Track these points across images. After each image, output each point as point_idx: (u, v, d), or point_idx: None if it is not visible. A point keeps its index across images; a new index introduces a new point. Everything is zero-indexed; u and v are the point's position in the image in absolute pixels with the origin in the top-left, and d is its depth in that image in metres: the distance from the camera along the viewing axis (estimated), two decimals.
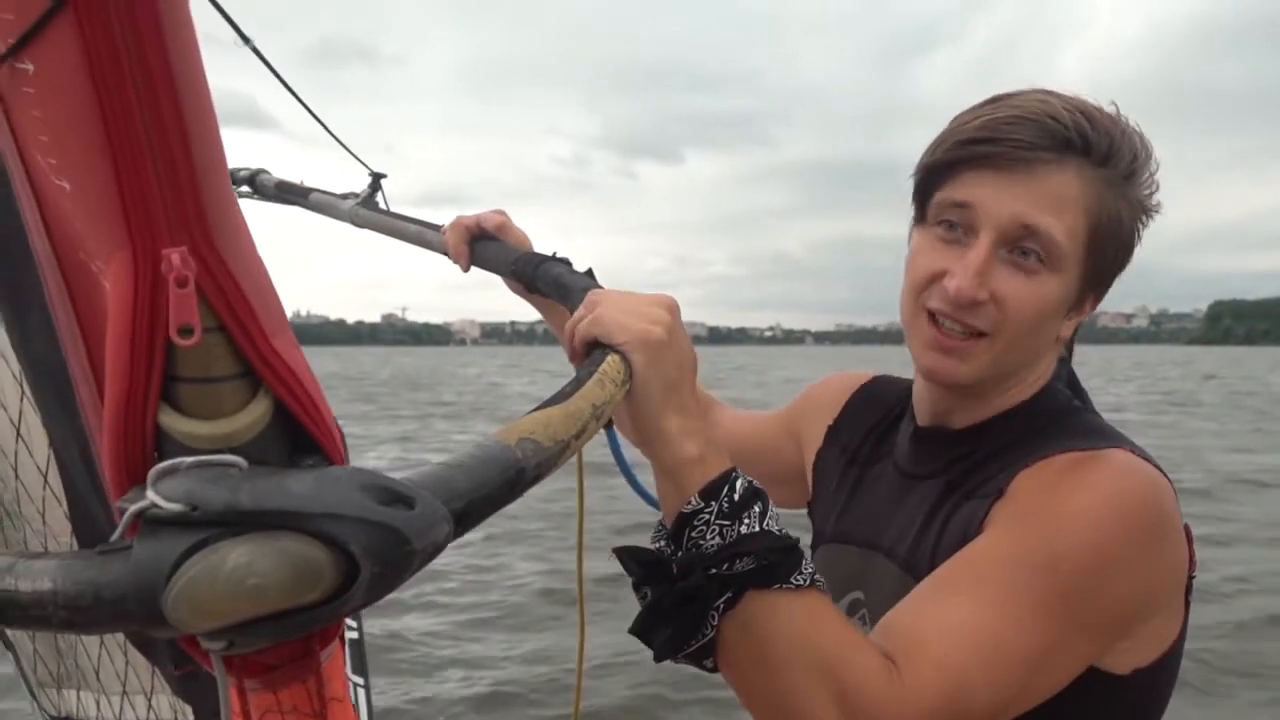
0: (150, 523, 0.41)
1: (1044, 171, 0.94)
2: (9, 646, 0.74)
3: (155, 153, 0.39)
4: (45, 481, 0.51)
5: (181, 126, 0.39)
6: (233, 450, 0.43)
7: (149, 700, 0.55)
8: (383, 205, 1.54)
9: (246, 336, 0.43)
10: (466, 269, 1.29)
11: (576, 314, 0.88)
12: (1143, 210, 1.01)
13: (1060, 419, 1.03)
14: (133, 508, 0.41)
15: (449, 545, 0.46)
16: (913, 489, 1.09)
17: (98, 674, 0.58)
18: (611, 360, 0.77)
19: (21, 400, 0.50)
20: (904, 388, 1.23)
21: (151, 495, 0.41)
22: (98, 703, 0.59)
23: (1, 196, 0.44)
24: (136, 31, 0.37)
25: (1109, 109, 0.99)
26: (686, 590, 0.83)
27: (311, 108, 1.43)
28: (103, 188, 0.39)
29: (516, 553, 8.66)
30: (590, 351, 0.83)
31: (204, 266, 0.41)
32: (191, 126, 0.39)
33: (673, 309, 0.86)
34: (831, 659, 0.81)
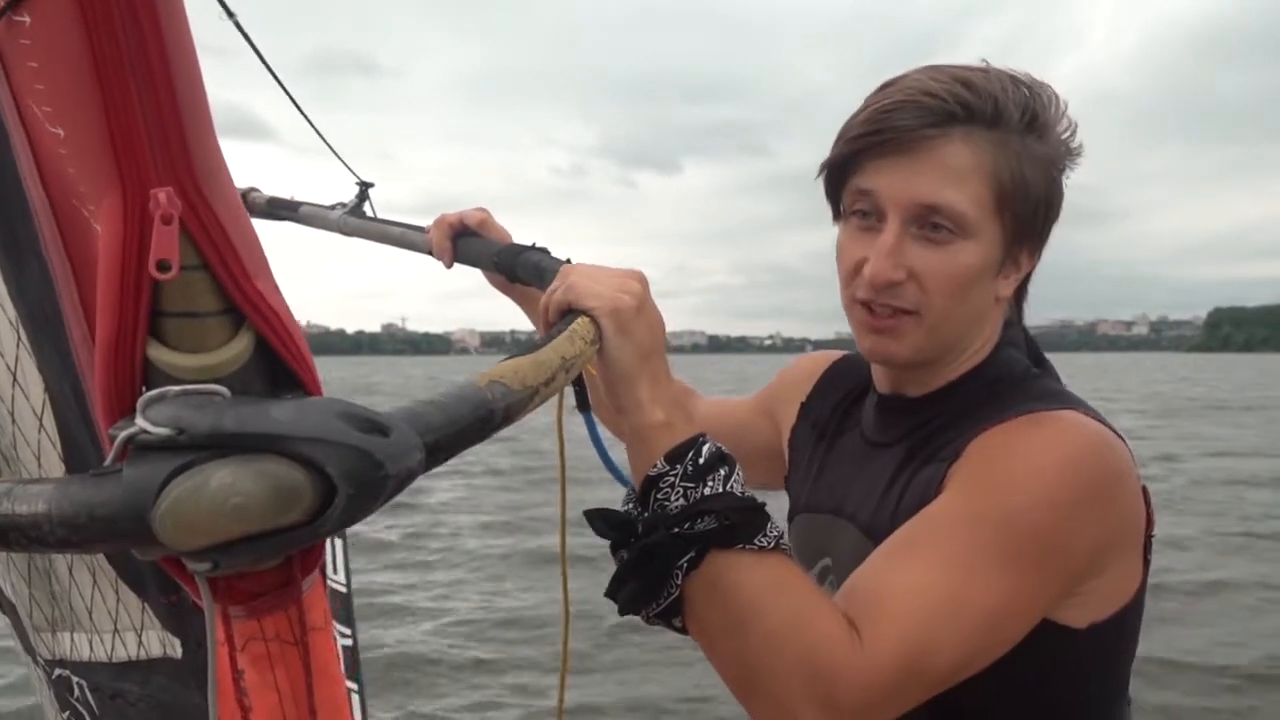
0: (140, 448, 0.44)
1: (931, 147, 0.97)
2: (4, 600, 0.76)
3: (143, 97, 0.42)
4: (40, 425, 0.53)
5: (167, 72, 0.42)
6: (217, 382, 0.46)
7: (139, 636, 0.57)
8: (370, 213, 1.57)
9: (229, 274, 0.45)
10: (450, 265, 1.32)
11: (550, 286, 0.91)
12: (1054, 156, 1.02)
13: (1017, 384, 1.06)
14: (123, 433, 0.44)
15: (422, 476, 0.49)
16: (876, 456, 1.11)
17: (90, 614, 0.60)
18: (581, 320, 0.80)
19: (18, 346, 0.52)
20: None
21: (140, 421, 0.44)
22: (90, 642, 0.62)
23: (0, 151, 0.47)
24: None
25: (1010, 71, 1.01)
26: (649, 547, 0.86)
27: (302, 108, 1.47)
28: (94, 132, 0.42)
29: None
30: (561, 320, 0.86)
31: (189, 206, 0.44)
32: (176, 73, 0.42)
33: (643, 280, 0.90)
34: (795, 620, 0.83)
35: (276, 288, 0.48)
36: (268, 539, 0.45)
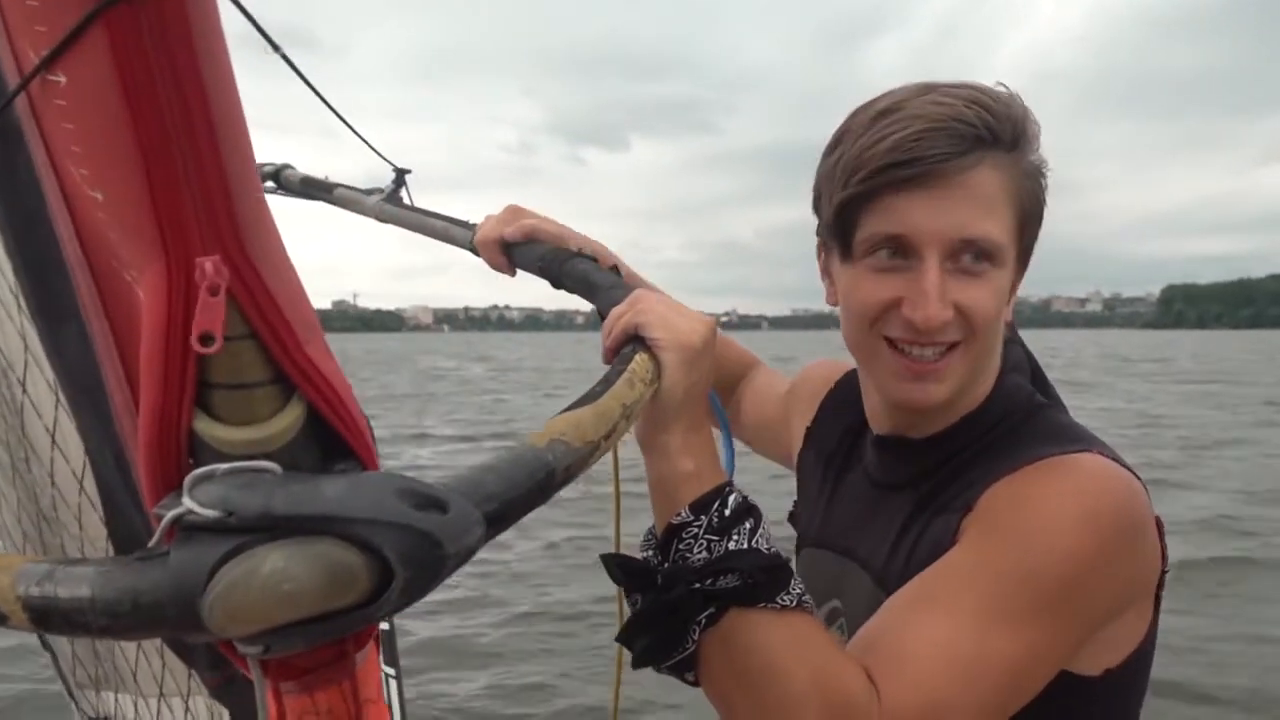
0: (187, 529, 0.41)
1: (965, 177, 0.91)
2: (47, 648, 0.75)
3: (187, 162, 0.39)
4: (81, 488, 0.51)
5: (212, 135, 0.39)
6: (267, 456, 0.43)
7: (186, 703, 0.55)
8: (407, 201, 1.54)
9: (278, 342, 0.43)
10: (513, 274, 1.26)
11: (619, 308, 0.88)
12: (1043, 173, 0.99)
13: (1025, 420, 1.01)
14: (169, 514, 0.42)
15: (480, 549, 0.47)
16: (885, 500, 1.07)
17: (135, 676, 0.58)
18: (640, 359, 0.77)
19: (56, 408, 0.50)
20: None
21: (187, 501, 0.42)
22: (135, 705, 0.60)
23: (35, 208, 0.44)
24: (167, 41, 0.38)
25: (998, 89, 0.96)
26: (669, 602, 0.83)
27: (337, 109, 1.44)
28: (136, 198, 0.40)
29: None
30: (626, 344, 0.83)
31: (236, 274, 0.41)
32: (222, 134, 0.40)
33: (713, 328, 0.87)
34: (816, 678, 0.80)
35: (329, 352, 0.46)
36: (321, 623, 0.43)
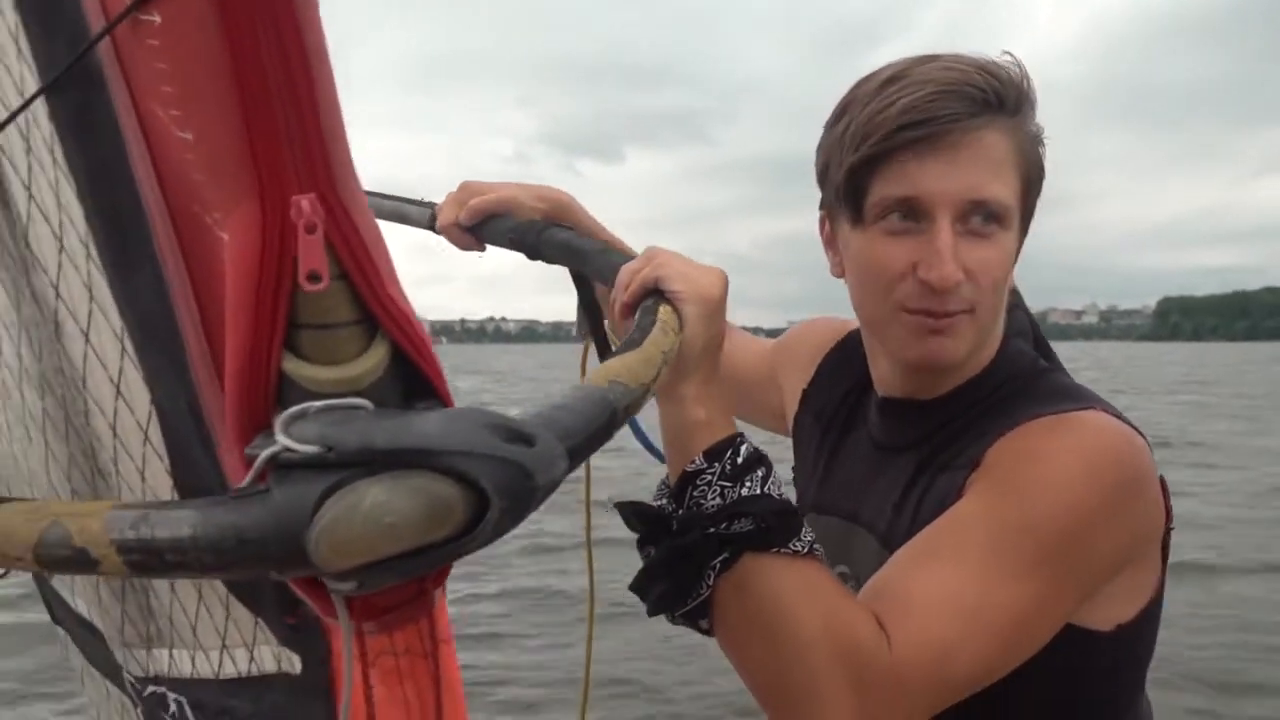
0: (284, 466, 0.42)
1: (975, 139, 0.94)
2: (62, 623, 0.73)
3: (284, 100, 0.39)
4: (146, 438, 0.51)
5: (308, 73, 0.40)
6: (355, 394, 0.44)
7: (250, 651, 0.55)
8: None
9: (367, 283, 0.43)
10: (482, 250, 1.23)
11: (634, 264, 0.90)
12: (1042, 140, 1.01)
13: (1029, 381, 1.04)
14: (265, 452, 0.42)
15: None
16: (889, 462, 1.09)
17: (195, 630, 0.58)
18: (665, 309, 0.79)
19: (122, 357, 0.50)
20: None
21: (284, 439, 0.42)
22: (193, 659, 0.60)
23: (112, 153, 0.44)
24: None
25: (1000, 57, 0.98)
26: (684, 546, 0.85)
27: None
28: (230, 137, 0.40)
29: None
30: (644, 299, 0.84)
31: (329, 213, 0.41)
32: (316, 73, 0.40)
33: (727, 281, 0.89)
34: (828, 623, 0.83)
35: (404, 294, 0.46)
36: (415, 556, 0.43)
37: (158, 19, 0.39)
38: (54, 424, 0.57)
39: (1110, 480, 0.91)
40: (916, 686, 0.83)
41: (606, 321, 1.24)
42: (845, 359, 1.24)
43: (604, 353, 1.28)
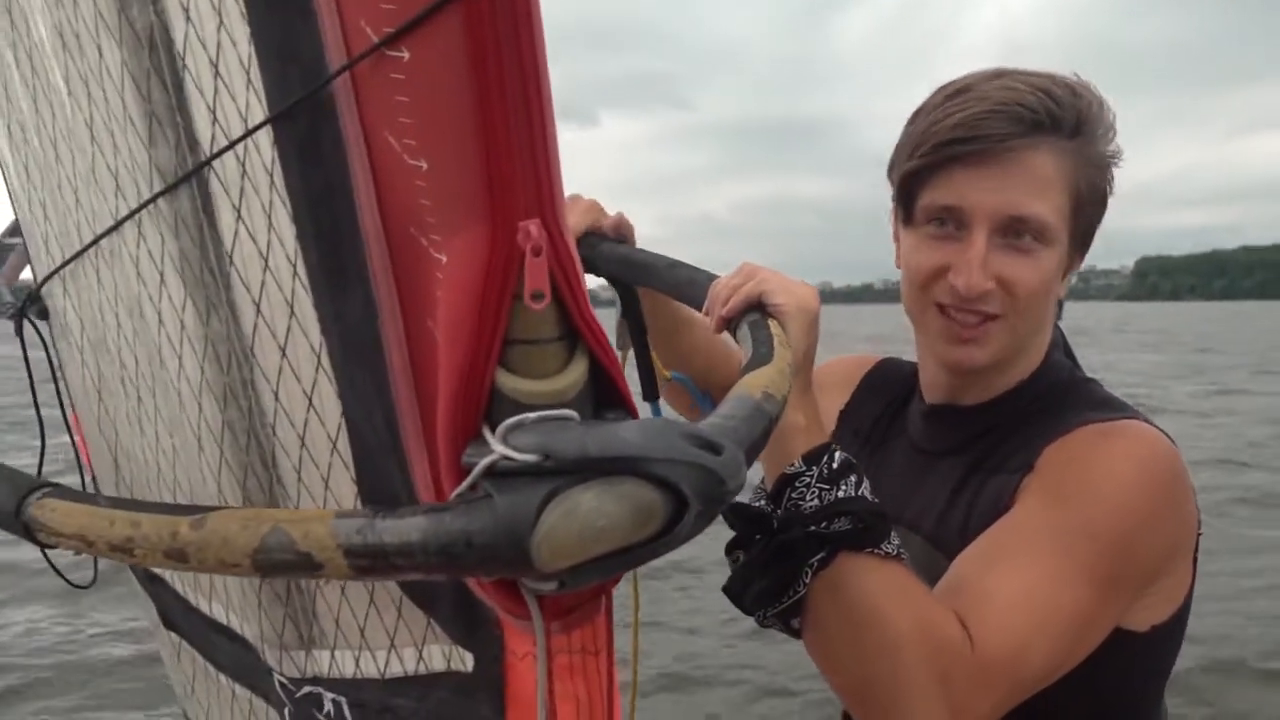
0: (502, 474, 0.45)
1: (1021, 158, 0.98)
2: (215, 630, 0.74)
3: (519, 132, 0.42)
4: (334, 448, 0.53)
5: (542, 107, 0.43)
6: (561, 406, 0.47)
7: (419, 650, 0.57)
8: None
9: (575, 301, 0.46)
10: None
11: (732, 279, 0.93)
12: (1110, 162, 1.05)
13: (1070, 391, 1.10)
14: (485, 460, 0.45)
15: None
16: (932, 466, 1.14)
17: (362, 632, 0.60)
18: (774, 323, 0.82)
19: (316, 370, 0.52)
20: (910, 370, 1.28)
21: (500, 448, 0.45)
22: (358, 659, 0.62)
23: (336, 179, 0.46)
24: (515, 20, 0.41)
25: (1070, 78, 1.03)
26: (784, 544, 0.88)
27: None
28: (465, 165, 0.43)
29: None
30: (745, 314, 0.88)
31: (549, 237, 0.44)
32: (547, 105, 0.43)
33: (818, 296, 0.93)
34: (919, 624, 0.86)
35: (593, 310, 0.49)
36: (617, 557, 0.46)
37: (406, 55, 0.42)
38: (234, 434, 0.59)
39: (1160, 485, 0.96)
40: (998, 681, 0.87)
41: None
42: (884, 378, 1.32)
43: (644, 365, 1.31)
